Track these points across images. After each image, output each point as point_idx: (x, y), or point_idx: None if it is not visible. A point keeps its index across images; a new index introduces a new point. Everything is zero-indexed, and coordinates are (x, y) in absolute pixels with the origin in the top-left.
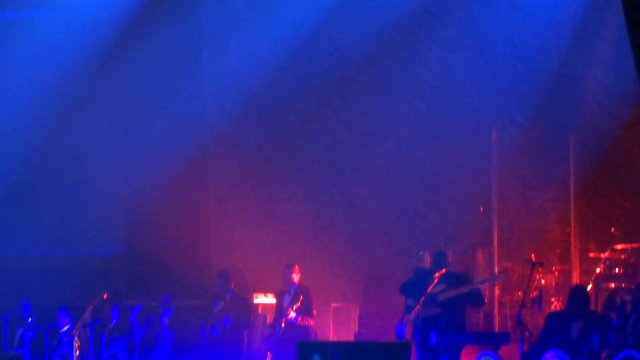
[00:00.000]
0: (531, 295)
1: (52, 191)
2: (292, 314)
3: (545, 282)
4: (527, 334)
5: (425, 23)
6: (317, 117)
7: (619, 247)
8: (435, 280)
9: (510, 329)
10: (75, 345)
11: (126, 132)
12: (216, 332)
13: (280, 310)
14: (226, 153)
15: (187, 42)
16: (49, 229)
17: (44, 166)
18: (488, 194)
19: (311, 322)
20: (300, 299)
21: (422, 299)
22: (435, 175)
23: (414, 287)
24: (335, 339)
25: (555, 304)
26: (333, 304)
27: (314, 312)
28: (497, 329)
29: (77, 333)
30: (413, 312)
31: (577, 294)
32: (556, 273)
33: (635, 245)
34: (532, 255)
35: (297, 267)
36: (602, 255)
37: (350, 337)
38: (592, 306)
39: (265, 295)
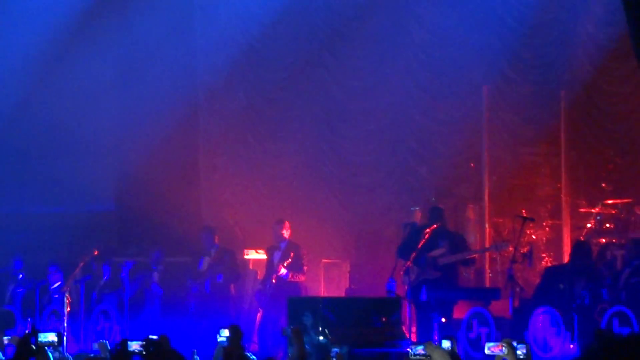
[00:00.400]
0: (522, 251)
1: (43, 149)
2: (282, 270)
3: (536, 237)
4: (517, 289)
5: None
6: (307, 72)
7: (610, 202)
8: (427, 236)
9: (501, 284)
10: (66, 301)
11: (117, 89)
12: (208, 289)
13: (270, 266)
14: (217, 109)
15: None
16: (40, 186)
17: (35, 124)
18: (479, 149)
19: (302, 278)
20: (291, 255)
21: (413, 254)
22: (426, 131)
23: (409, 248)
24: (326, 294)
25: (546, 260)
26: (324, 260)
27: (305, 268)
28: (488, 284)
29: (68, 289)
30: (404, 268)
31: (581, 249)
32: (547, 228)
33: (626, 200)
34: (523, 210)
35: (287, 223)
36: (593, 211)
37: (341, 293)
38: None
39: (256, 251)
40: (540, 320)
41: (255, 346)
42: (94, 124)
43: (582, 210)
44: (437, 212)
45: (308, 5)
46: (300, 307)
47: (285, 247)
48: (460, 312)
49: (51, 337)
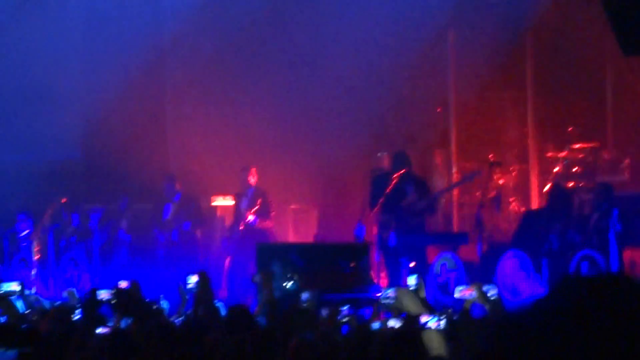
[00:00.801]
0: (489, 196)
1: (8, 97)
2: (250, 217)
3: (503, 182)
4: (485, 234)
5: None
6: (272, 18)
7: (577, 146)
8: (394, 181)
9: (469, 229)
10: (35, 249)
11: (82, 36)
12: (175, 237)
13: (238, 213)
14: (183, 57)
15: None
16: (7, 135)
17: (0, 73)
18: (445, 94)
19: (270, 224)
20: (259, 202)
21: (381, 200)
22: (392, 76)
23: (377, 197)
24: (295, 240)
25: (514, 204)
26: (292, 206)
27: (272, 214)
28: (455, 229)
29: (37, 237)
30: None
31: (557, 193)
32: (514, 173)
33: (593, 144)
34: (490, 155)
35: (254, 169)
36: (560, 155)
37: (309, 239)
38: None
39: (223, 197)
40: (509, 264)
41: (224, 293)
42: (59, 72)
43: (549, 154)
44: (402, 157)
45: None
46: (269, 253)
47: (252, 193)
48: (429, 257)
49: (13, 286)
